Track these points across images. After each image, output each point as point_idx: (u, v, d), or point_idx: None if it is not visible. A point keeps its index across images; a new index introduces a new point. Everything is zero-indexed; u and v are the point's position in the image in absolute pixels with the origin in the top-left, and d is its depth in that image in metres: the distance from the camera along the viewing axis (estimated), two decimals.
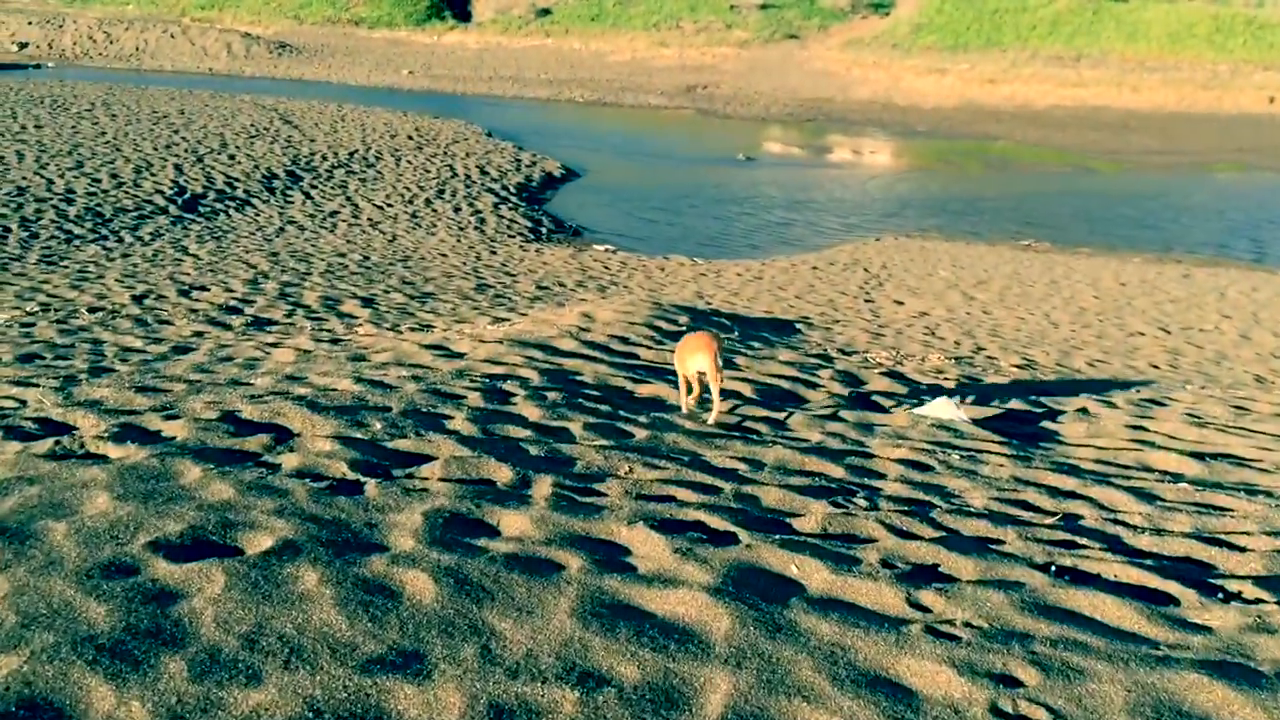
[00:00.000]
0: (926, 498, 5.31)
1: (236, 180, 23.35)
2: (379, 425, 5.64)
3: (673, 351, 7.71)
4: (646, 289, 15.92)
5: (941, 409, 7.14)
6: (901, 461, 5.96)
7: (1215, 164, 38.05)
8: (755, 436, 6.38)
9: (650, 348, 9.22)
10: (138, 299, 12.32)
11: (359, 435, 5.46)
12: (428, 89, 53.59)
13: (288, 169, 25.14)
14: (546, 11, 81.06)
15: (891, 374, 9.40)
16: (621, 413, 6.59)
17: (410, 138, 31.96)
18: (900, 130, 44.88)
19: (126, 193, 20.97)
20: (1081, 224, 25.90)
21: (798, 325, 13.11)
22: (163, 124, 30.39)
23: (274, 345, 9.31)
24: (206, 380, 6.96)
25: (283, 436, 5.37)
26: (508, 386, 6.92)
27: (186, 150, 26.07)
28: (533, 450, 5.50)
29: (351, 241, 18.61)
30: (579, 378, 7.70)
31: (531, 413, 6.26)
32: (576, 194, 27.12)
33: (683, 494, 5.01)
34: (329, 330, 10.93)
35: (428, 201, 23.40)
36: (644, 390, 7.45)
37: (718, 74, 62.18)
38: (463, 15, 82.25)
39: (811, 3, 73.28)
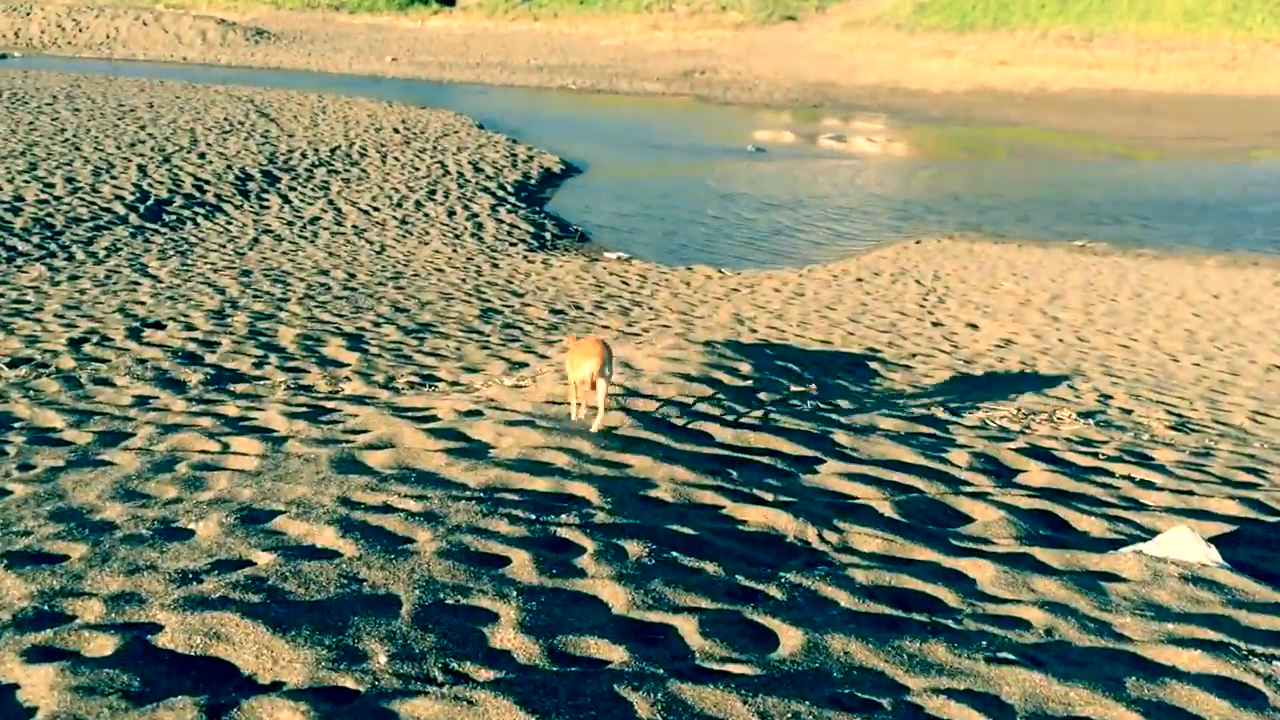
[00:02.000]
0: None
1: (207, 183, 21.02)
2: (384, 657, 3.45)
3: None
4: (676, 311, 13.74)
5: (1183, 547, 5.01)
6: (1211, 683, 3.80)
7: (1252, 149, 35.92)
8: (952, 620, 4.22)
9: (724, 422, 7.07)
10: (75, 344, 10.11)
11: (350, 684, 3.28)
12: (412, 76, 51.09)
13: (264, 169, 22.80)
14: None
15: (1035, 451, 7.26)
16: (739, 578, 4.42)
17: (396, 131, 29.60)
18: (914, 116, 42.57)
19: (82, 199, 18.67)
20: (1132, 219, 23.72)
21: (870, 363, 10.96)
22: (129, 119, 27.98)
23: (235, 424, 7.13)
24: (124, 526, 4.76)
25: (220, 700, 3.18)
26: (564, 530, 4.75)
27: (153, 149, 23.70)
28: (642, 708, 3.31)
29: (335, 254, 16.35)
30: (653, 493, 5.55)
31: (614, 596, 4.08)
32: (579, 192, 24.85)
33: None
34: (307, 389, 8.74)
35: (418, 204, 21.11)
36: (750, 517, 5.30)
37: (714, 58, 59.75)
38: None
39: None
